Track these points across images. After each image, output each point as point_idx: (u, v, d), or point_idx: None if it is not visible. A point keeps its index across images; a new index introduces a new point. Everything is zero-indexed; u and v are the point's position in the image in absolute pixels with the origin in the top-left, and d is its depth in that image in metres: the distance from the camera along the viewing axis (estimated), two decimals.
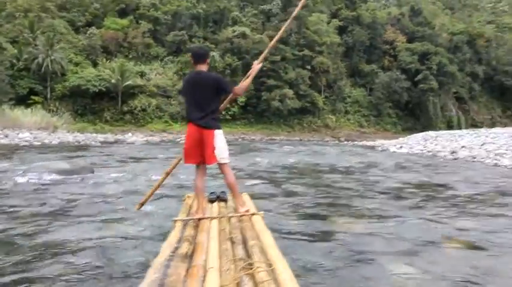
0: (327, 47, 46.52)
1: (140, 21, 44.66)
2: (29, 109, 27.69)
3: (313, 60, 44.49)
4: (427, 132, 26.66)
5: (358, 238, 4.40)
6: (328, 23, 48.92)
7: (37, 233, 4.25)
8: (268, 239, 2.88)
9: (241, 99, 40.45)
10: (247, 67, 40.13)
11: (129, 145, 20.57)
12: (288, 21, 4.91)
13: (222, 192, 4.52)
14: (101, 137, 25.96)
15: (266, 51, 4.56)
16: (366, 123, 47.38)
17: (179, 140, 27.93)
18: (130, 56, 42.97)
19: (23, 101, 31.40)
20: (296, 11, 5.09)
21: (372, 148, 23.20)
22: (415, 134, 27.75)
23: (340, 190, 7.28)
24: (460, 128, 48.43)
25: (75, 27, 42.61)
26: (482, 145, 17.16)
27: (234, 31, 43.40)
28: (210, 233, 3.11)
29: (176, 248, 2.76)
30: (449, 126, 49.30)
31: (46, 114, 27.66)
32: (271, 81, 41.14)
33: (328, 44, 46.49)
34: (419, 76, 47.63)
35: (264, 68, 41.17)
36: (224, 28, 46.03)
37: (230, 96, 4.02)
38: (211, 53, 41.01)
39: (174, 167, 4.21)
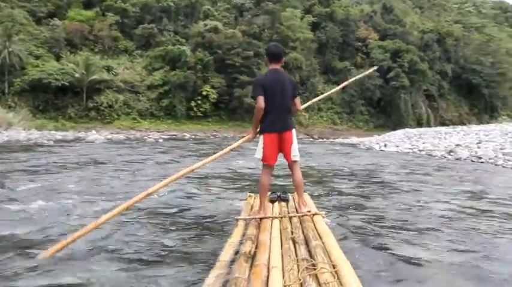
0: (300, 43, 45.93)
1: (107, 13, 42.62)
2: None
3: (287, 56, 43.73)
4: (406, 130, 26.36)
5: None
6: (302, 18, 48.30)
7: None
8: (331, 240, 2.87)
9: (213, 96, 39.33)
10: (219, 62, 39.16)
11: (87, 144, 18.67)
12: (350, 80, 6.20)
13: (284, 192, 4.64)
14: (59, 134, 24.15)
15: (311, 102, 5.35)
16: (338, 121, 47.17)
17: (146, 137, 26.55)
18: (96, 50, 40.95)
19: None
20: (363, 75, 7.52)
21: (354, 146, 22.35)
22: (393, 132, 27.37)
23: (375, 209, 5.52)
24: (429, 125, 49.00)
25: (37, 18, 40.15)
26: (478, 143, 16.23)
27: (206, 25, 42.12)
28: (272, 233, 3.16)
29: (239, 247, 2.86)
30: (419, 124, 49.76)
31: (1, 110, 25.64)
32: (244, 78, 40.11)
33: (301, 40, 45.91)
34: (391, 73, 47.76)
35: (237, 64, 40.24)
36: (195, 22, 44.65)
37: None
38: (183, 48, 39.79)
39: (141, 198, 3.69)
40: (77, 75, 34.30)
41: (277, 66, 3.83)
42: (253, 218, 3.62)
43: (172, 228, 4.37)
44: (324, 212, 3.78)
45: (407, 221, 4.89)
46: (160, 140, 24.34)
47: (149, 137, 26.27)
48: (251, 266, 2.46)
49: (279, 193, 4.58)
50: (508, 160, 12.39)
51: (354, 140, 26.44)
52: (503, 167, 11.71)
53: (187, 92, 39.22)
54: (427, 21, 65.96)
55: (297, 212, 3.82)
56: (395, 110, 49.55)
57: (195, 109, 39.29)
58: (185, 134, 33.84)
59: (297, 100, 3.93)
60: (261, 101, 3.67)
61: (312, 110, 46.60)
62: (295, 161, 3.84)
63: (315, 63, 48.28)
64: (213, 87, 39.91)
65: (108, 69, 38.60)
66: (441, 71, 56.24)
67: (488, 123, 45.87)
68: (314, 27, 49.65)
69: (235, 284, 2.16)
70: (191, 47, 41.11)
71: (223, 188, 7.16)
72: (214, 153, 4.15)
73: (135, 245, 3.70)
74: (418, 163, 12.89)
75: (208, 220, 4.78)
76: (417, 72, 49.45)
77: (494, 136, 17.67)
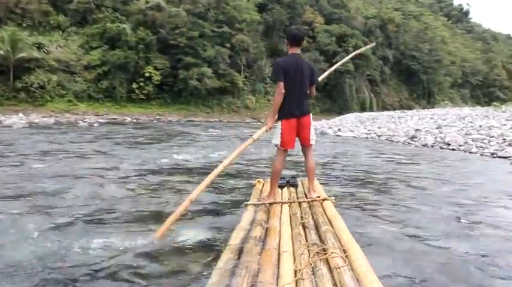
0: (246, 24, 44.76)
1: None
2: None
3: (233, 37, 42.52)
4: (357, 114, 26.33)
5: None
6: None
7: None
8: (340, 224, 2.89)
9: (157, 78, 37.35)
10: (162, 42, 37.09)
11: (2, 130, 15.85)
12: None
13: (292, 177, 4.59)
14: None
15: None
16: None
17: (80, 121, 24.18)
18: (25, 25, 37.12)
19: None
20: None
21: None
22: (343, 116, 27.25)
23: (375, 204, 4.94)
24: (372, 109, 50.44)
25: None
26: (438, 128, 15.72)
27: (148, 2, 39.64)
28: (282, 218, 3.16)
29: (249, 232, 2.85)
30: (363, 108, 51.05)
31: None
32: (188, 59, 38.47)
33: (248, 22, 44.74)
34: (337, 58, 48.03)
35: (181, 45, 38.45)
36: None
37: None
38: (123, 26, 37.27)
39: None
40: (1, 52, 30.91)
41: (297, 51, 3.75)
42: (263, 204, 3.60)
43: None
44: (333, 198, 3.77)
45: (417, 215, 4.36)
46: (96, 125, 22.26)
47: (84, 121, 24.08)
48: (261, 251, 2.46)
49: (287, 179, 4.48)
50: (481, 147, 11.82)
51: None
52: (482, 155, 10.96)
53: (129, 73, 36.90)
54: (370, 7, 67.33)
55: (306, 197, 3.83)
56: (340, 94, 50.27)
57: (137, 91, 37.11)
58: (126, 117, 31.82)
59: (313, 88, 3.88)
60: (281, 86, 3.62)
61: (259, 93, 45.98)
62: (311, 145, 3.85)
63: (261, 46, 47.46)
64: (156, 68, 37.83)
65: (39, 46, 35.18)
66: (383, 57, 57.85)
67: (432, 107, 47.76)
68: (261, 8, 48.66)
69: (246, 268, 2.16)
70: (132, 25, 38.58)
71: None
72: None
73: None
74: (385, 149, 12.16)
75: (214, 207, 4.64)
76: (361, 57, 50.28)
77: (452, 120, 17.46)
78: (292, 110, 3.66)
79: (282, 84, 3.58)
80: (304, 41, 3.84)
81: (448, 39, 75.42)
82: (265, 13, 48.82)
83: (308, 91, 3.78)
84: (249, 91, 44.97)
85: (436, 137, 13.85)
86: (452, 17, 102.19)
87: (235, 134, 18.16)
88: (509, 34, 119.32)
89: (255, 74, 46.23)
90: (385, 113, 27.87)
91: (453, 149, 12.19)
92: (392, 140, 15.01)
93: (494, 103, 39.08)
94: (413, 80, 61.89)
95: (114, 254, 3.02)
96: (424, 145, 13.26)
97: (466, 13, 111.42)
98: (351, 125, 21.23)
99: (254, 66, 46.19)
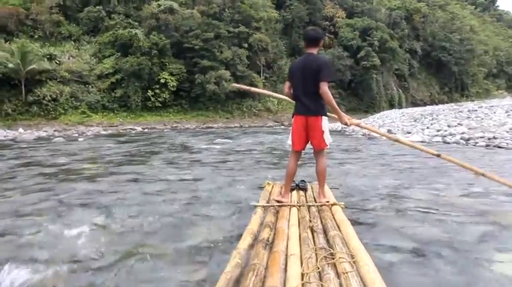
0: (264, 23, 42.58)
1: None
2: None
3: (250, 37, 40.41)
4: (403, 110, 23.29)
5: None
6: None
7: None
8: (349, 230, 2.88)
9: (172, 84, 35.59)
10: (177, 46, 35.31)
11: None
12: None
13: (302, 181, 4.51)
14: None
15: None
16: None
17: (59, 137, 19.44)
18: (36, 36, 36.20)
19: None
20: None
21: (344, 134, 17.19)
22: (383, 113, 24.23)
23: None
24: (401, 106, 47.31)
25: None
26: None
27: (160, 5, 38.05)
28: (290, 221, 3.16)
29: (257, 234, 2.87)
30: (391, 105, 47.98)
31: None
32: (205, 62, 36.58)
33: (265, 20, 42.57)
34: (362, 53, 45.42)
35: (196, 47, 36.66)
36: (148, 3, 40.42)
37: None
38: (134, 31, 35.71)
39: None
40: (10, 65, 29.68)
41: (313, 51, 3.72)
42: (272, 206, 3.61)
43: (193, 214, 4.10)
44: (342, 203, 3.65)
45: None
46: (81, 139, 18.83)
47: (74, 134, 21.67)
48: (269, 253, 2.46)
49: (297, 182, 4.43)
50: None
51: (333, 125, 20.22)
52: None
53: (143, 81, 35.28)
54: None
55: (315, 201, 3.77)
56: (366, 91, 47.29)
57: (152, 99, 35.44)
58: (136, 127, 30.15)
59: (322, 85, 3.50)
60: (285, 86, 4.07)
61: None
62: (323, 149, 3.76)
63: (281, 44, 45.17)
64: (171, 74, 36.12)
65: (50, 57, 34.01)
66: (410, 50, 54.68)
67: (467, 100, 44.25)
68: (278, 5, 46.47)
69: (254, 271, 2.16)
70: (144, 30, 37.02)
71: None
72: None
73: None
74: None
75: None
76: (387, 50, 47.41)
77: None
78: (299, 108, 3.70)
79: (286, 84, 4.02)
80: (322, 41, 3.80)
81: (477, 28, 71.26)
82: (283, 10, 46.59)
83: (317, 90, 3.54)
84: None
85: None
86: (479, 6, 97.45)
87: (251, 145, 13.89)
88: None
89: (275, 75, 43.96)
90: (446, 106, 22.85)
91: None
92: (500, 146, 10.35)
93: None
94: (444, 72, 58.22)
95: None
96: None
97: (493, 1, 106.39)
98: (401, 124, 16.49)
99: (274, 66, 43.94)
